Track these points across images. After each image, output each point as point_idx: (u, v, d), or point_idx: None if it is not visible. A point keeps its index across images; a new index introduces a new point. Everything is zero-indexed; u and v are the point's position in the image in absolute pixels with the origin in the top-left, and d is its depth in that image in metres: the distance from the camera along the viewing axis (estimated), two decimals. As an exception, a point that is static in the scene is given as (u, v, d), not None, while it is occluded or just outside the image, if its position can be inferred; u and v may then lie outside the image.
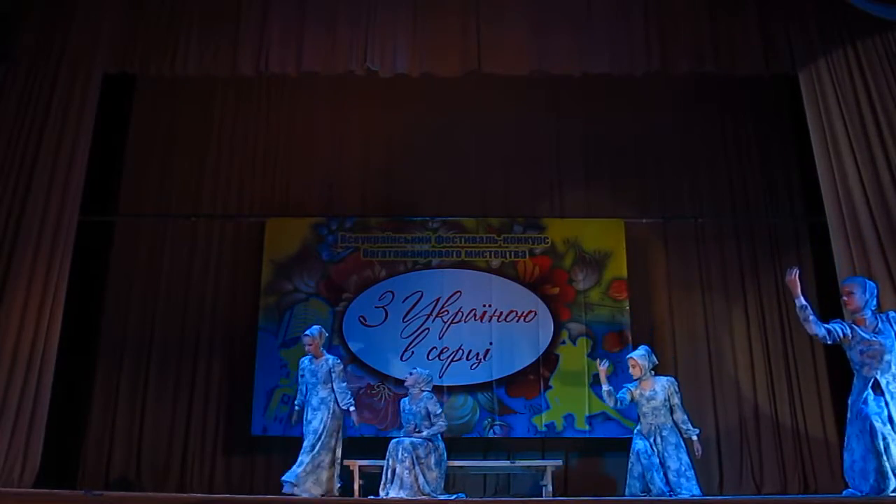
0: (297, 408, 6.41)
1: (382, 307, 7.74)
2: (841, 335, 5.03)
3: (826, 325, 5.05)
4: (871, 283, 5.24)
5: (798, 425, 7.46)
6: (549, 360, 7.62)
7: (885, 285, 6.11)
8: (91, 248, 7.53)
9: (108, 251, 7.94)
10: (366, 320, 7.71)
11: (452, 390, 7.52)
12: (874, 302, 5.12)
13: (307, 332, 6.37)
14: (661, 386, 5.93)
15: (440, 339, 7.65)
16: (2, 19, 6.65)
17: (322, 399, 6.19)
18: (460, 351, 7.62)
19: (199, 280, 7.88)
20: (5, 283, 6.08)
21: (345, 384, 6.27)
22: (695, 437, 5.83)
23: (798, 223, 8.12)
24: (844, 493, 5.07)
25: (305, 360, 6.39)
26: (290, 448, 7.23)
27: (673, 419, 5.88)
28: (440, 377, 7.53)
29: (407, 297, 7.76)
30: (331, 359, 6.35)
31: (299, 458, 6.06)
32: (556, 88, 8.02)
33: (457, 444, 7.47)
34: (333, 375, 6.24)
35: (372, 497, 6.00)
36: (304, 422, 6.25)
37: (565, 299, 7.80)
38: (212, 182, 8.19)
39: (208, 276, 7.89)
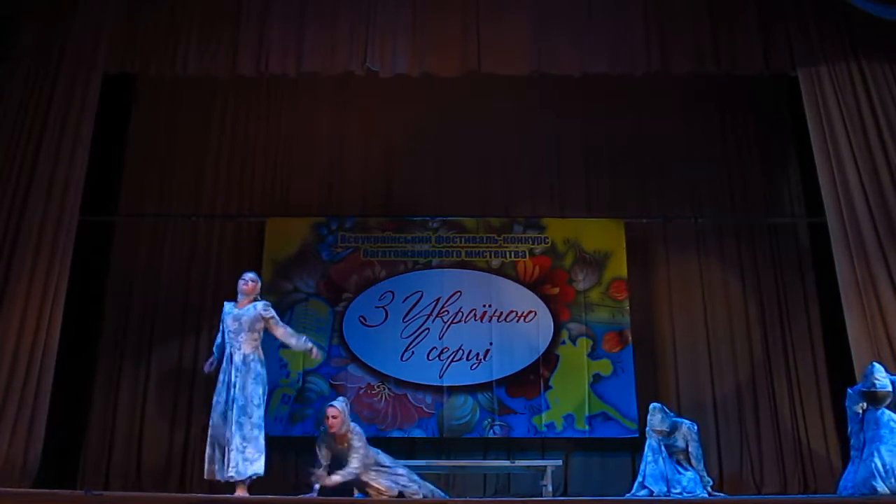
0: (213, 360, 5.59)
1: (382, 307, 7.74)
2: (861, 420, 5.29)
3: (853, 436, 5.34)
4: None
5: (798, 425, 7.46)
6: (549, 360, 7.61)
7: (885, 285, 6.13)
8: (91, 248, 7.52)
9: (108, 251, 7.94)
10: (366, 320, 7.71)
11: (452, 390, 7.51)
12: None
13: (250, 273, 5.73)
14: (682, 435, 5.87)
15: (440, 339, 7.64)
16: (2, 19, 6.65)
17: (245, 357, 5.39)
18: (460, 351, 7.61)
19: (199, 280, 7.87)
20: (6, 283, 6.08)
21: (287, 328, 5.62)
22: (708, 488, 5.81)
23: (798, 223, 8.12)
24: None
25: (228, 305, 5.62)
26: (290, 448, 7.25)
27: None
28: (440, 377, 7.54)
29: (407, 297, 7.75)
30: (260, 303, 5.56)
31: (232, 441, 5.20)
32: (556, 88, 8.01)
33: (457, 444, 7.49)
34: (273, 322, 5.50)
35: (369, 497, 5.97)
36: (220, 383, 5.42)
37: (565, 299, 7.80)
38: (212, 182, 8.18)
39: (208, 276, 7.88)
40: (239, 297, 5.62)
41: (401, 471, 5.50)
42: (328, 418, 5.37)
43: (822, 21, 6.78)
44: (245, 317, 5.47)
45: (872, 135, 6.47)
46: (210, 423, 5.42)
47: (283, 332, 5.58)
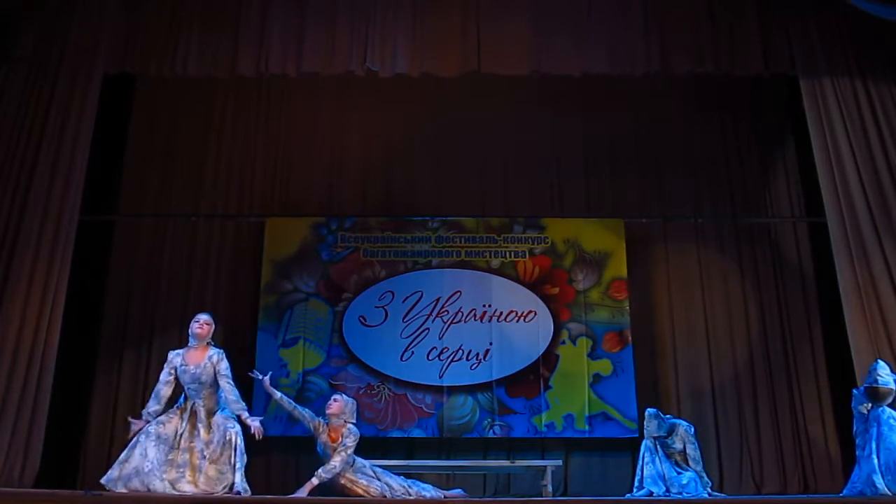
0: (149, 416, 5.09)
1: (382, 307, 7.74)
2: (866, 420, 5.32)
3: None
4: None
5: (798, 425, 7.46)
6: (549, 360, 7.61)
7: (885, 285, 6.13)
8: (91, 248, 7.52)
9: (108, 251, 7.94)
10: (366, 320, 7.71)
11: (452, 390, 7.52)
12: None
13: (204, 315, 5.35)
14: (679, 436, 5.85)
15: (440, 339, 7.64)
16: (2, 20, 6.65)
17: (209, 412, 5.15)
18: (460, 351, 7.61)
19: (199, 280, 7.87)
20: (6, 283, 6.08)
21: (233, 387, 5.16)
22: (708, 489, 5.78)
23: (798, 223, 8.12)
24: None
25: (178, 358, 5.20)
26: (289, 448, 7.26)
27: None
28: (440, 377, 7.54)
29: (407, 297, 7.75)
30: (215, 353, 5.18)
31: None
32: (556, 88, 8.00)
33: (457, 444, 7.49)
34: (223, 379, 5.13)
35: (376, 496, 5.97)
36: (170, 421, 5.07)
37: (565, 299, 7.80)
38: (212, 182, 8.18)
39: (208, 276, 7.88)
40: (191, 341, 5.26)
41: (394, 483, 5.38)
42: (331, 401, 5.46)
43: (822, 21, 6.78)
44: (205, 375, 5.13)
45: (872, 135, 6.47)
46: (140, 452, 4.97)
47: (228, 384, 5.15)
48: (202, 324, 5.28)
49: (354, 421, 5.44)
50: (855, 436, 5.37)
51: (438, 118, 8.23)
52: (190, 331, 5.31)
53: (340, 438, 5.30)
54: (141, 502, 4.98)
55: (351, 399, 5.56)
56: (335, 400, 5.47)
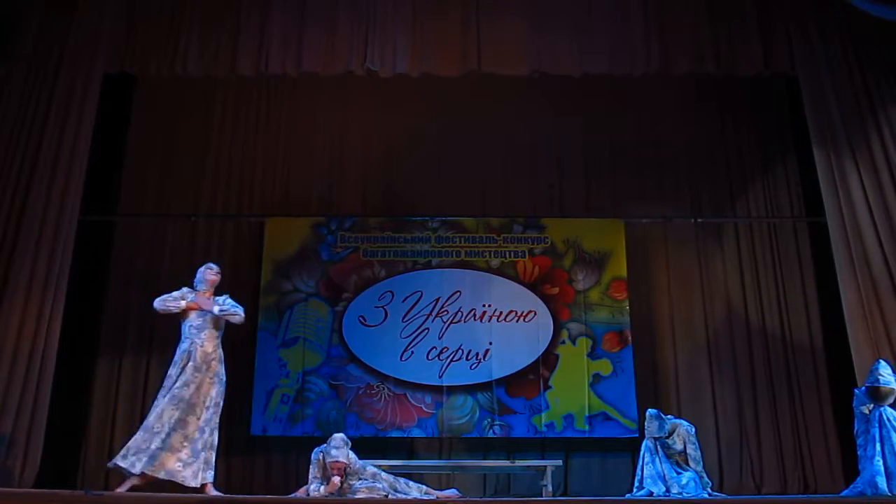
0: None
1: (382, 307, 7.74)
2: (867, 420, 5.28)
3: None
4: None
5: (798, 425, 7.46)
6: (548, 360, 7.62)
7: (886, 285, 6.13)
8: (91, 248, 7.53)
9: (108, 251, 7.94)
10: (365, 320, 7.71)
11: (452, 390, 7.52)
12: None
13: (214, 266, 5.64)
14: (680, 436, 5.79)
15: (440, 339, 7.64)
16: (2, 19, 6.65)
17: (206, 355, 5.34)
18: (460, 351, 7.61)
19: (199, 280, 7.86)
20: (6, 283, 6.08)
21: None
22: (708, 489, 5.77)
23: (798, 223, 8.12)
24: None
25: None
26: (289, 448, 7.26)
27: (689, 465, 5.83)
28: (440, 377, 7.54)
29: (407, 297, 7.75)
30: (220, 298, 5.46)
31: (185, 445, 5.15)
32: (556, 88, 7.99)
33: (457, 444, 7.50)
34: (227, 307, 5.38)
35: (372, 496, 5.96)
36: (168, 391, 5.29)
37: (565, 299, 7.80)
38: (212, 182, 8.18)
39: (208, 277, 7.87)
40: (201, 286, 5.60)
41: (380, 487, 5.27)
42: (334, 471, 5.10)
43: (822, 21, 6.78)
44: (208, 314, 5.40)
45: (872, 134, 6.47)
46: (170, 415, 5.29)
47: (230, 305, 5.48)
48: (216, 272, 5.58)
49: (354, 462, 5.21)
50: (856, 436, 5.36)
51: (438, 118, 8.23)
52: (202, 276, 5.60)
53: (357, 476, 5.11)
54: (141, 502, 4.98)
55: (343, 444, 5.19)
56: (338, 469, 5.09)
